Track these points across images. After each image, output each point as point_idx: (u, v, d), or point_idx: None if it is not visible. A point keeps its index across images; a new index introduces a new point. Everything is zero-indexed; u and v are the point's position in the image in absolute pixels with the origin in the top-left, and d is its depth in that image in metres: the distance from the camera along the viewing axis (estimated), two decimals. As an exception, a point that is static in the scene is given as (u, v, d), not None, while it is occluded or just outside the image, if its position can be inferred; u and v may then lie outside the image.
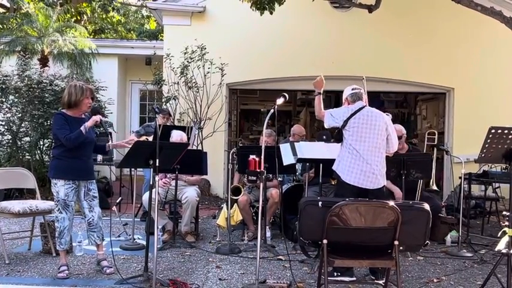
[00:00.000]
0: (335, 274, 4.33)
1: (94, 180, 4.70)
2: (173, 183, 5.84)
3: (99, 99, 9.01)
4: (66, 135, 4.38)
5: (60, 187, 4.45)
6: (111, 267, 4.58)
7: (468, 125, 8.88)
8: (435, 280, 4.60)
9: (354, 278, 4.37)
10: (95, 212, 4.60)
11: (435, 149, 6.95)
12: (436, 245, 5.92)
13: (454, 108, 9.45)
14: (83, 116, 4.58)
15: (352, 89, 4.68)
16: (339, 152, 4.58)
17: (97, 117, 4.48)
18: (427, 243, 3.70)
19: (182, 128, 6.90)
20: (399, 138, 4.87)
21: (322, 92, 4.85)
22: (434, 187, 6.36)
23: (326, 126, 4.67)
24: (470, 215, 7.05)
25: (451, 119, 9.57)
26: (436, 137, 6.95)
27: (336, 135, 4.58)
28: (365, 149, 4.40)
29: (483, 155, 4.09)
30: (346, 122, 4.46)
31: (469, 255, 5.49)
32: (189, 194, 5.77)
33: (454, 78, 9.40)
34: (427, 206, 3.56)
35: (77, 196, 4.58)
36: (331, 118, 4.59)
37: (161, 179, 5.65)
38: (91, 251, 5.07)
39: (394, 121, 4.91)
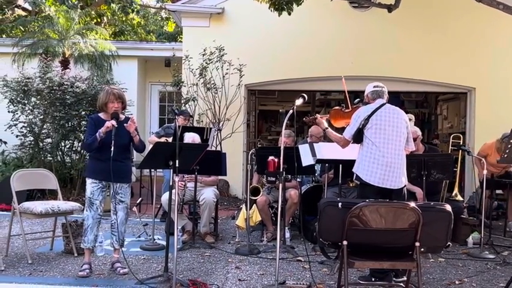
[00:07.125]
0: (373, 279, 4.24)
1: (125, 185, 4.66)
2: (189, 184, 5.88)
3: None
4: (84, 140, 4.54)
5: (88, 185, 4.58)
6: (125, 268, 4.58)
7: (490, 126, 8.69)
8: (457, 282, 4.54)
9: (393, 282, 4.19)
10: (118, 216, 4.63)
11: (460, 156, 6.62)
12: (458, 247, 5.84)
13: (475, 108, 9.34)
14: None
15: (374, 86, 4.58)
16: (359, 153, 4.45)
17: (109, 123, 4.42)
18: (449, 244, 3.65)
19: (201, 129, 6.93)
20: (414, 140, 4.76)
21: (327, 126, 4.76)
22: (459, 197, 6.22)
23: (350, 139, 4.43)
24: (493, 216, 6.95)
25: (472, 119, 9.45)
26: (461, 141, 6.64)
27: (355, 135, 4.39)
28: (386, 147, 4.30)
29: (505, 156, 4.03)
30: (367, 120, 4.34)
31: (491, 257, 5.40)
32: (207, 195, 5.79)
33: (475, 78, 9.28)
34: (448, 207, 3.51)
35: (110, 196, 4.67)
36: (349, 130, 4.44)
37: (179, 181, 5.68)
38: (112, 251, 5.10)
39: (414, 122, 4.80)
